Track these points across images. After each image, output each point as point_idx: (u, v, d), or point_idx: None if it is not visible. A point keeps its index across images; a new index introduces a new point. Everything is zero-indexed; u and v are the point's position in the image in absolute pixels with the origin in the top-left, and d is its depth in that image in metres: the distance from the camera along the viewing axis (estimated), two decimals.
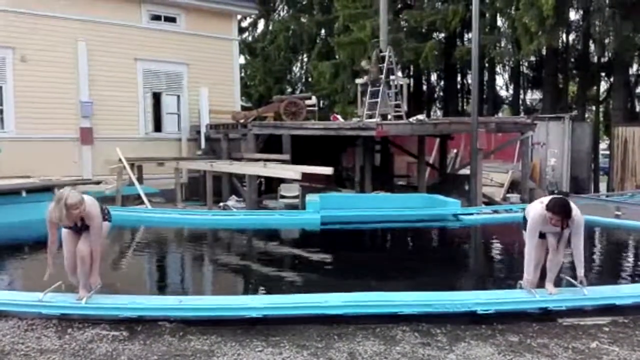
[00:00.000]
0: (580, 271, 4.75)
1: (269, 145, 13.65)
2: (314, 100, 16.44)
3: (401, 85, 14.04)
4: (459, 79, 25.24)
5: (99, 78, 14.08)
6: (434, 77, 26.84)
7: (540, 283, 4.96)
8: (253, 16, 26.51)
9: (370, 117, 12.54)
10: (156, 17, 15.34)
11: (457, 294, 4.87)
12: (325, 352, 3.95)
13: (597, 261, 8.22)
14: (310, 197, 10.54)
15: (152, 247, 9.10)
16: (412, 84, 23.93)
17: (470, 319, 4.54)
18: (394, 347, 4.05)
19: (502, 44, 20.36)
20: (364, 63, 13.74)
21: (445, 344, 4.11)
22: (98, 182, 12.76)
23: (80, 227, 4.72)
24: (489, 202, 13.13)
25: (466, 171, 13.11)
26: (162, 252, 8.88)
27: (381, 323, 4.46)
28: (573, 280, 4.86)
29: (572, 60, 21.86)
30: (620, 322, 4.58)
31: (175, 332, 4.32)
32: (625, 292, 5.07)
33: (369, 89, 13.14)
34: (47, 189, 11.09)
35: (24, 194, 10.49)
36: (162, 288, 5.97)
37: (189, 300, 4.83)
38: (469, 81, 23.13)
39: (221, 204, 12.70)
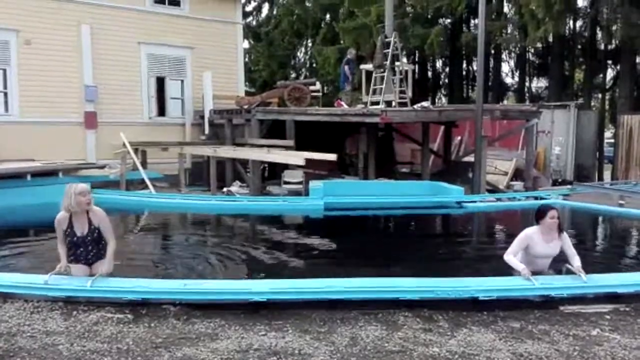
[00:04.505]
0: (578, 264, 4.88)
1: (273, 131, 13.62)
2: (318, 86, 16.40)
3: (406, 72, 13.98)
4: (464, 65, 25.06)
5: (102, 62, 14.05)
6: (439, 63, 26.68)
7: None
8: (257, 0, 26.31)
9: (375, 103, 12.50)
10: (160, 1, 15.27)
11: (459, 280, 4.88)
12: (327, 337, 3.98)
13: (600, 249, 8.24)
14: (314, 184, 10.54)
15: (156, 232, 9.14)
16: (417, 70, 23.77)
17: (472, 306, 4.56)
18: (395, 332, 4.08)
19: (509, 31, 20.18)
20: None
21: (446, 330, 4.13)
22: (102, 167, 12.82)
23: (89, 237, 4.86)
24: (493, 189, 13.12)
25: (470, 159, 13.07)
26: (166, 237, 8.92)
27: (383, 308, 4.48)
28: (573, 269, 4.89)
29: (579, 47, 21.63)
30: (622, 310, 4.59)
31: (179, 315, 4.35)
32: (627, 281, 5.07)
33: (374, 74, 13.08)
34: (51, 173, 11.17)
35: (28, 177, 10.56)
36: (166, 271, 6.01)
37: (193, 284, 4.86)
38: (475, 68, 23.05)
39: (225, 189, 12.73)
